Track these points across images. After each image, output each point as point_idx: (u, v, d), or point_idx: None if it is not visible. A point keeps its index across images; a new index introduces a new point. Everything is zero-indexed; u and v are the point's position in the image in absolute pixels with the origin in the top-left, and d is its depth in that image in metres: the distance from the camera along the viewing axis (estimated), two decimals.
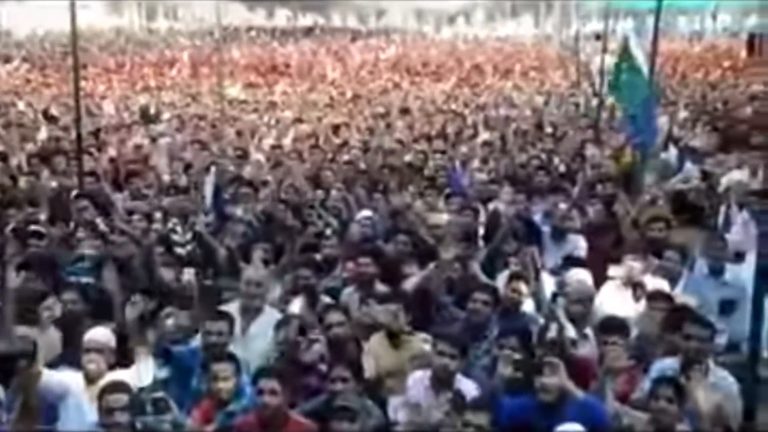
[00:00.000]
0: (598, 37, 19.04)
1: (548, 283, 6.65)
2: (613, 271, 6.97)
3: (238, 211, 8.27)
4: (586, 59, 20.50)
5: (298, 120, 15.37)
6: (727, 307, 6.74)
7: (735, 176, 10.21)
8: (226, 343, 5.56)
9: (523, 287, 6.31)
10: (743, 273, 6.88)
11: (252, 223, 8.05)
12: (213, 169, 9.12)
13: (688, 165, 12.09)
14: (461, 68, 26.44)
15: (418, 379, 5.31)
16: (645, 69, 9.50)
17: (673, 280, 7.02)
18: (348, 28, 47.87)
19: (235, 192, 8.79)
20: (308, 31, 45.41)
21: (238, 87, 21.45)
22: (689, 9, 42.60)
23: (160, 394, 4.75)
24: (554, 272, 7.23)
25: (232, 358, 5.26)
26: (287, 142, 12.86)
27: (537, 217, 8.85)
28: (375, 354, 5.82)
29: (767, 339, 6.93)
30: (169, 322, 5.65)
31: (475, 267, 7.07)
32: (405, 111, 16.27)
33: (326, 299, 6.58)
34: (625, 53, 10.06)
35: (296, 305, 6.20)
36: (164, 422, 4.64)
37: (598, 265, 7.26)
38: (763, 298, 3.81)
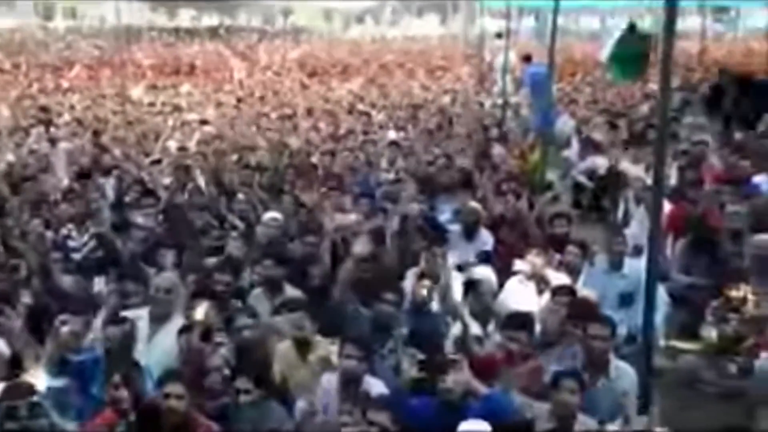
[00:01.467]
0: (499, 35, 19.30)
1: (457, 281, 6.76)
2: (517, 265, 7.11)
3: (140, 217, 8.09)
4: (491, 58, 20.82)
5: (204, 122, 15.13)
6: (626, 300, 6.97)
7: (632, 172, 10.51)
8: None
9: (432, 285, 6.37)
10: (642, 266, 7.13)
11: (153, 228, 7.89)
12: (115, 173, 8.92)
13: (566, 152, 12.54)
14: (369, 68, 26.50)
15: (325, 382, 5.29)
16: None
17: (574, 274, 7.21)
18: (254, 28, 47.36)
19: (137, 196, 8.61)
20: (213, 31, 44.73)
21: (141, 88, 20.95)
22: (588, 9, 43.74)
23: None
24: (462, 269, 7.33)
25: (135, 365, 5.14)
26: (192, 144, 12.64)
27: (446, 216, 9.01)
28: (283, 365, 5.79)
29: (663, 329, 7.35)
30: (65, 329, 5.47)
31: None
32: (311, 111, 16.21)
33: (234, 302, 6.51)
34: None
35: (201, 309, 6.10)
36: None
37: (506, 260, 7.42)
38: (655, 291, 3.95)
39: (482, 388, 4.90)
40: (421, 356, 5.16)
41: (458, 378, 4.84)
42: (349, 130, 13.51)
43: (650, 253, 4.02)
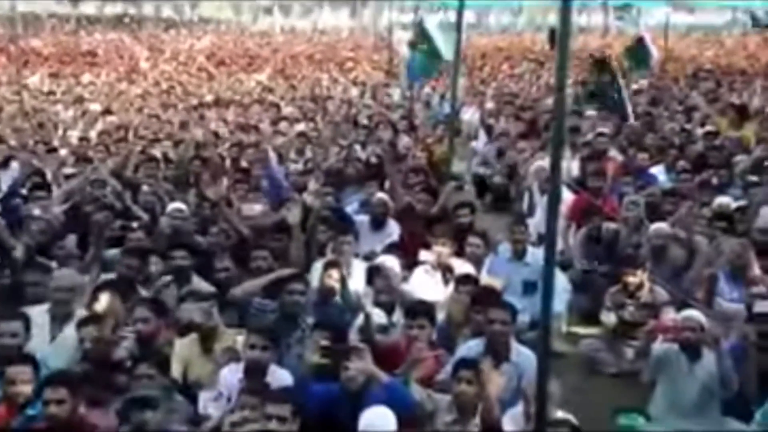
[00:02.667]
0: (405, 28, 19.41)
1: (361, 271, 6.80)
2: (423, 255, 7.19)
3: (36, 209, 7.84)
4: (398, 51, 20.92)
5: (107, 112, 14.75)
6: (529, 288, 7.12)
7: (537, 163, 10.75)
8: (22, 345, 5.28)
9: (338, 275, 6.38)
10: (540, 254, 7.30)
11: (51, 221, 7.66)
12: (12, 164, 8.62)
13: (474, 143, 12.77)
14: (277, 59, 26.33)
15: (228, 373, 5.24)
16: (443, 49, 9.99)
17: (478, 264, 7.33)
18: (161, 18, 46.41)
19: (33, 188, 8.35)
20: (118, 20, 43.60)
21: (39, 76, 20.26)
22: (496, 5, 44.48)
23: None
24: (369, 259, 7.38)
25: (29, 360, 4.99)
26: (94, 134, 12.32)
27: (353, 207, 9.04)
28: (185, 360, 5.71)
29: (566, 316, 7.55)
30: None
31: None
32: (219, 102, 16.00)
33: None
34: (421, 36, 10.46)
35: (103, 300, 5.97)
36: None
37: (413, 251, 7.50)
38: (553, 278, 4.05)
39: (384, 376, 4.94)
40: (324, 342, 5.16)
41: (360, 366, 4.87)
42: (257, 122, 13.38)
43: (547, 241, 4.10)
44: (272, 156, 10.71)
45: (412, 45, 11.09)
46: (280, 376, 5.17)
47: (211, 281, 6.73)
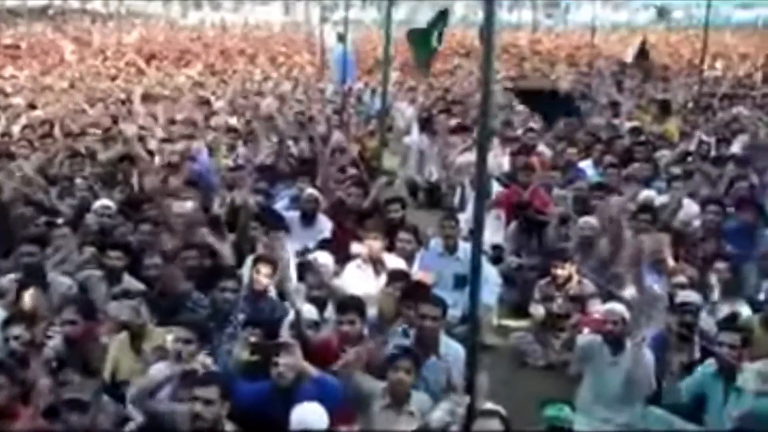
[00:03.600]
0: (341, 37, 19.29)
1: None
2: (354, 248, 7.21)
3: None
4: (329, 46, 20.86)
5: (31, 106, 14.36)
6: (460, 282, 7.19)
7: (467, 158, 10.85)
8: None
9: (270, 271, 6.35)
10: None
11: None
12: None
13: (406, 139, 12.86)
14: (208, 54, 26.01)
15: (156, 372, 5.18)
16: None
17: (409, 259, 7.38)
18: (87, 11, 45.36)
19: None
20: (42, 13, 42.46)
21: None
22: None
23: None
24: (300, 255, 7.37)
25: None
26: (16, 130, 11.99)
27: (284, 202, 9.00)
28: (114, 359, 5.64)
29: (497, 309, 7.66)
30: None
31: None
32: (148, 97, 15.71)
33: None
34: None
35: (28, 299, 5.86)
36: None
37: (344, 246, 7.51)
38: (480, 272, 4.11)
39: (314, 372, 4.94)
40: (253, 339, 5.13)
41: (290, 362, 4.86)
42: (187, 117, 13.18)
43: (475, 236, 4.17)
44: (203, 152, 10.62)
45: (341, 38, 11.10)
46: None
47: (141, 279, 6.64)
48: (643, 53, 19.63)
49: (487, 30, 3.74)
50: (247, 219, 7.51)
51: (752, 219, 7.84)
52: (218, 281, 6.08)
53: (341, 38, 11.92)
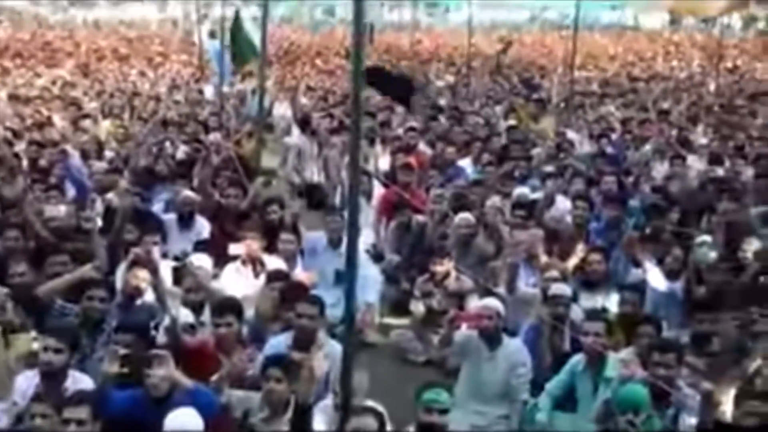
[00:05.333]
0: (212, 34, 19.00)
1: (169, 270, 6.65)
2: (232, 248, 7.13)
3: None
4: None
5: None
6: (342, 277, 7.18)
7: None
8: None
9: (145, 275, 6.19)
10: (360, 245, 7.42)
11: None
12: None
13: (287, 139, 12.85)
14: (80, 53, 25.13)
15: (25, 380, 4.97)
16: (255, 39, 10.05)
17: (290, 259, 7.34)
18: None
19: None
20: None
21: None
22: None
23: None
24: (178, 258, 7.21)
25: None
26: None
27: (161, 205, 8.80)
28: None
29: (378, 306, 7.71)
30: None
31: None
32: (16, 98, 15.08)
33: None
34: (236, 24, 10.41)
35: None
36: None
37: (223, 247, 7.41)
38: (355, 269, 4.14)
39: (188, 382, 4.85)
40: (123, 351, 4.99)
41: (162, 373, 4.76)
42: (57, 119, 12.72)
43: (349, 234, 4.18)
44: (74, 155, 10.26)
45: (212, 35, 10.98)
46: (80, 382, 4.97)
47: (6, 286, 6.34)
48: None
49: (355, 30, 3.75)
50: (122, 222, 7.31)
51: (618, 213, 8.18)
52: (87, 289, 5.87)
53: (213, 35, 11.77)
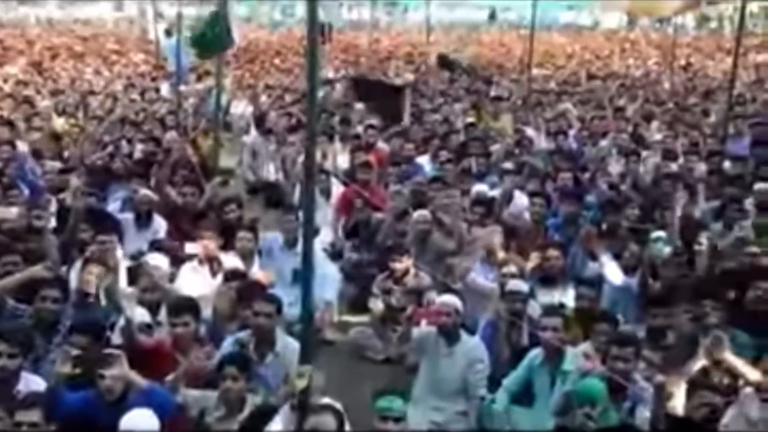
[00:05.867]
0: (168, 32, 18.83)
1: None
2: (188, 248, 7.07)
3: None
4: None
5: None
6: (299, 276, 7.17)
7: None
8: None
9: (99, 274, 6.10)
10: (316, 244, 7.40)
11: None
12: None
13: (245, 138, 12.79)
14: (33, 51, 24.70)
15: None
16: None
17: (248, 257, 7.30)
18: None
19: None
20: None
21: None
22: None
23: None
24: (135, 258, 7.15)
25: None
26: None
27: (116, 204, 8.71)
28: None
29: (337, 304, 7.70)
30: None
31: None
32: None
33: None
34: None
35: None
36: None
37: (181, 245, 7.36)
38: (312, 268, 4.13)
39: (143, 382, 4.80)
40: (75, 352, 4.92)
41: (116, 374, 4.70)
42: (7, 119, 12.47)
43: (305, 232, 4.17)
44: (26, 154, 10.09)
45: (168, 33, 10.86)
46: (33, 384, 4.89)
47: None
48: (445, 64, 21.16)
49: (309, 29, 3.75)
50: (75, 221, 7.22)
51: (574, 209, 8.26)
52: (40, 290, 5.77)
53: (169, 33, 11.66)
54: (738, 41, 10.19)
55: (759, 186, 8.78)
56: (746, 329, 5.89)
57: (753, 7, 33.22)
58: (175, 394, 4.92)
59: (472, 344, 5.95)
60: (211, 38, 10.10)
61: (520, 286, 6.35)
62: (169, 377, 5.03)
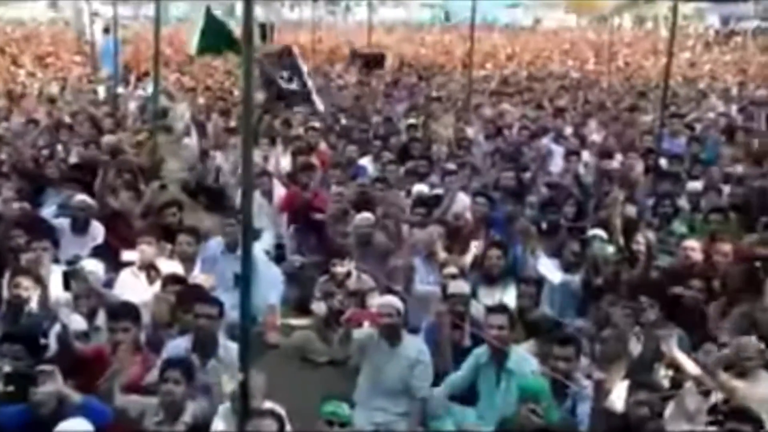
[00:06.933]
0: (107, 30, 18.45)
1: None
2: (125, 256, 6.95)
3: None
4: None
5: None
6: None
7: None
8: None
9: (31, 283, 5.96)
10: (257, 249, 7.36)
11: None
12: None
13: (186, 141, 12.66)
14: None
15: None
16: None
17: (189, 261, 7.21)
18: None
19: None
20: None
21: None
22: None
23: None
24: (71, 264, 7.00)
25: None
26: None
27: (51, 210, 8.52)
28: None
29: (280, 308, 7.65)
30: None
31: None
32: None
33: None
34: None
35: None
36: None
37: (117, 251, 7.23)
38: (251, 271, 4.09)
39: (77, 396, 4.69)
40: (6, 369, 4.79)
41: (50, 389, 4.59)
42: None
43: (244, 235, 4.12)
44: None
45: (106, 30, 10.68)
46: None
47: None
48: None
49: (245, 29, 3.71)
50: (7, 228, 7.04)
51: (515, 208, 8.34)
52: None
53: (107, 31, 11.46)
54: (671, 41, 10.37)
55: (691, 184, 9.00)
56: (681, 325, 6.02)
57: (686, 9, 34.03)
58: (110, 402, 4.81)
59: (414, 345, 5.95)
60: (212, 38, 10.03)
61: (462, 288, 6.38)
62: (100, 380, 4.91)
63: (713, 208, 8.19)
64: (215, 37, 10.16)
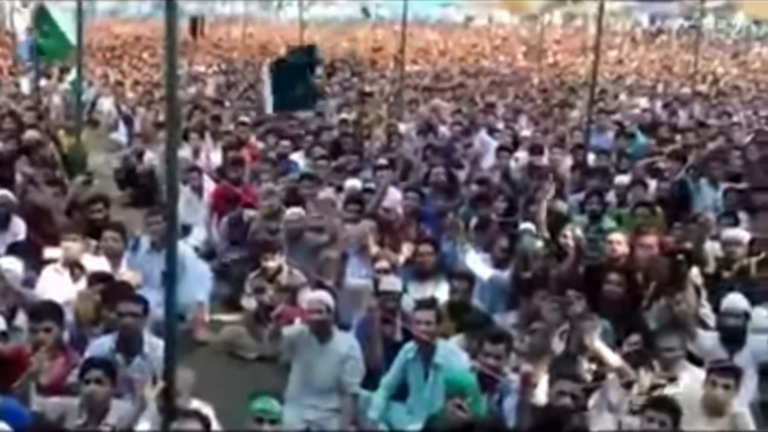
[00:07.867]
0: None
1: None
2: (48, 252, 6.77)
3: None
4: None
5: None
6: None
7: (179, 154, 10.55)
8: None
9: None
10: (185, 245, 7.26)
11: None
12: None
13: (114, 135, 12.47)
14: None
15: None
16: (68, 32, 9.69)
17: (115, 258, 7.05)
18: None
19: None
20: None
21: None
22: None
23: None
24: None
25: None
26: None
27: None
28: None
29: (209, 304, 7.55)
30: None
31: None
32: None
33: None
34: (41, 18, 9.99)
35: None
36: None
37: (41, 249, 7.05)
38: (175, 268, 4.02)
39: None
40: None
41: None
42: None
43: (168, 232, 4.04)
44: None
45: (30, 30, 10.44)
46: None
47: None
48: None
49: (168, 22, 3.63)
50: None
51: (447, 203, 8.38)
52: None
53: (30, 31, 11.18)
54: (598, 39, 10.56)
55: (618, 179, 9.16)
56: (607, 318, 6.12)
57: (614, 7, 34.69)
58: (27, 404, 4.68)
59: (345, 341, 5.92)
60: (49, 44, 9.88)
61: (394, 284, 6.36)
62: (16, 383, 4.77)
63: (639, 202, 8.34)
64: (56, 41, 10.05)
